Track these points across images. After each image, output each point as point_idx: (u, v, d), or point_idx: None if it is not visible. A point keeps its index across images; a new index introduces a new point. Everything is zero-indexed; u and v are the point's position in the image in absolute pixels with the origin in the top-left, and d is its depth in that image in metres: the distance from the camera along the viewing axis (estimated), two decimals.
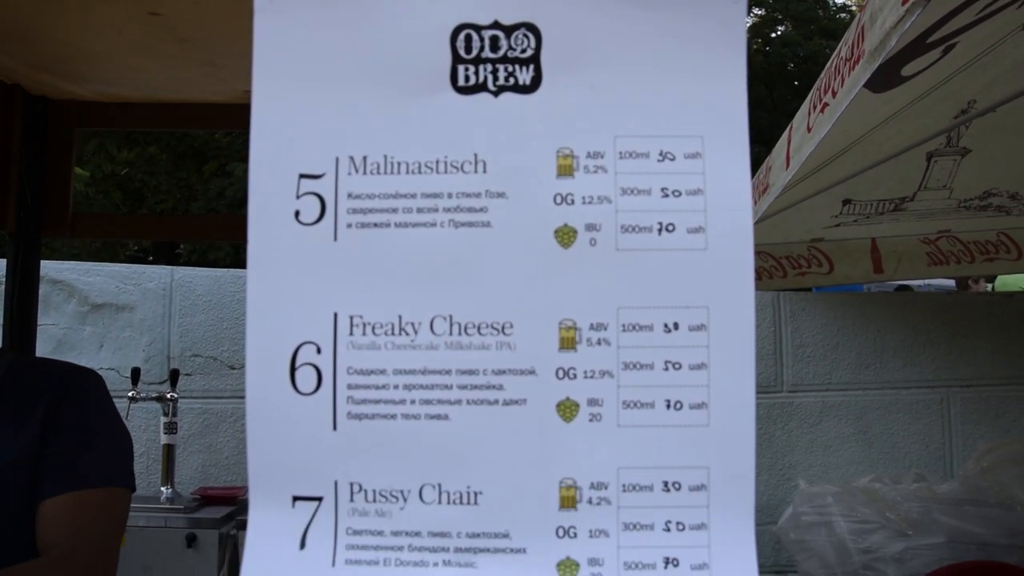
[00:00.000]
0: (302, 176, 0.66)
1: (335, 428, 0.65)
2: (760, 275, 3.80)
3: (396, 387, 0.65)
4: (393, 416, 0.65)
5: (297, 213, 0.66)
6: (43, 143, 2.51)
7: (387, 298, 0.66)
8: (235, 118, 2.58)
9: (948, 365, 3.86)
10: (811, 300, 3.91)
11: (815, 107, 2.13)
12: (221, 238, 5.78)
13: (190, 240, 7.70)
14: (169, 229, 3.49)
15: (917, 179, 2.98)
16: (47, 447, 1.49)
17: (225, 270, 3.70)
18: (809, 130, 2.19)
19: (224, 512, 2.97)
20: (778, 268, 3.84)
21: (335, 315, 0.66)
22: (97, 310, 3.53)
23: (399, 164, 0.66)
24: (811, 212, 3.28)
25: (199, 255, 8.52)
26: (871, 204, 3.29)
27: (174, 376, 3.15)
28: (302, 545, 0.65)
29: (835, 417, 3.81)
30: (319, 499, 0.65)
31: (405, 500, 0.65)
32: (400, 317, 0.66)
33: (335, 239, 0.66)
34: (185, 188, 9.08)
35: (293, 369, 0.65)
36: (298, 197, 0.66)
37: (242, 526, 2.95)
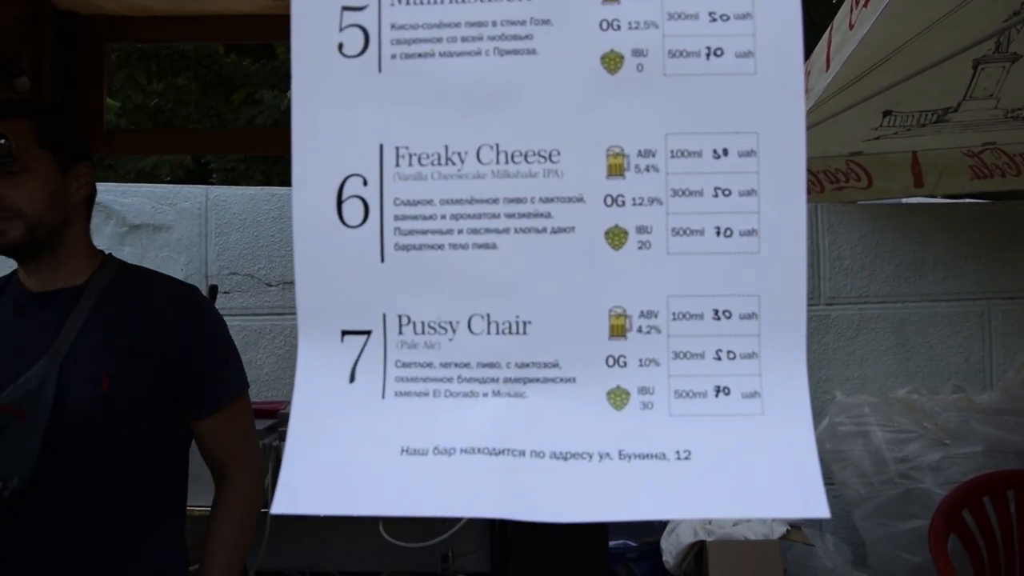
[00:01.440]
0: (344, 8, 0.65)
1: (383, 260, 0.65)
2: None
3: (443, 217, 0.65)
4: (440, 246, 0.65)
5: (341, 46, 0.65)
6: (74, 59, 2.51)
7: (433, 128, 0.65)
8: (263, 29, 2.56)
9: (990, 277, 3.78)
10: (849, 211, 3.84)
11: (858, 2, 2.05)
12: (257, 151, 5.80)
13: (227, 152, 7.76)
14: (206, 143, 3.50)
15: (962, 88, 2.87)
16: (186, 369, 1.63)
17: (259, 188, 3.71)
18: (851, 27, 2.10)
19: (266, 424, 3.03)
20: (815, 183, 3.76)
21: (381, 146, 0.65)
22: (135, 231, 3.57)
23: None
24: (850, 125, 3.20)
25: (231, 183, 8.59)
26: (913, 115, 3.19)
27: (213, 292, 3.18)
28: (351, 379, 0.66)
29: (873, 330, 3.77)
30: (368, 332, 0.66)
31: (454, 331, 0.65)
32: (446, 147, 0.65)
33: (379, 71, 0.65)
34: (215, 117, 9.11)
35: (340, 202, 0.65)
36: (341, 30, 0.65)
37: (283, 437, 3.01)
